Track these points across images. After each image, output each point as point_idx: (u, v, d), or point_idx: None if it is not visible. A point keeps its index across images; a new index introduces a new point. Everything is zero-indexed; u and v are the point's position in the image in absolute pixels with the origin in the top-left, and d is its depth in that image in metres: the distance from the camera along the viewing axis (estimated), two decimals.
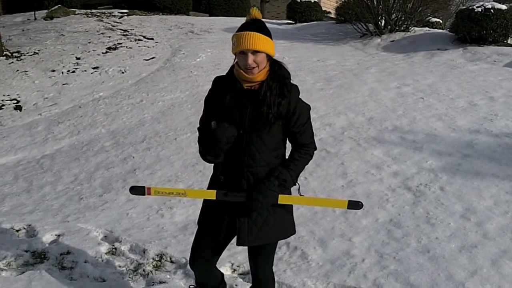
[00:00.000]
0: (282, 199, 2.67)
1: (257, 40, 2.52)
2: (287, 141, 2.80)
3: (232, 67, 2.72)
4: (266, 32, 2.58)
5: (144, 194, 2.79)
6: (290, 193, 2.78)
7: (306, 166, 2.81)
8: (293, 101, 2.64)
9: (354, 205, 2.76)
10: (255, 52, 2.53)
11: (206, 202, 2.87)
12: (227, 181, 2.71)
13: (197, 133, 2.86)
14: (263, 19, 2.68)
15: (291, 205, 2.86)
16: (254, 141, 2.63)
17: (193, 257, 2.87)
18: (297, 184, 2.73)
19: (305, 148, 2.74)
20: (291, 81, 2.70)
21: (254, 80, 2.60)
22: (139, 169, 6.13)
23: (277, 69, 2.66)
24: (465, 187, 4.95)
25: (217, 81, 2.79)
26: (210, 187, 2.85)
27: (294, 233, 2.88)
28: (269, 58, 2.63)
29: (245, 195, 2.63)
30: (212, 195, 2.70)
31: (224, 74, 2.79)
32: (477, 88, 7.88)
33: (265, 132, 2.62)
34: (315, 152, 2.82)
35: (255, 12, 2.62)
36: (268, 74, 2.64)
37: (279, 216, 2.74)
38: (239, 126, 2.63)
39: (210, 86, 2.80)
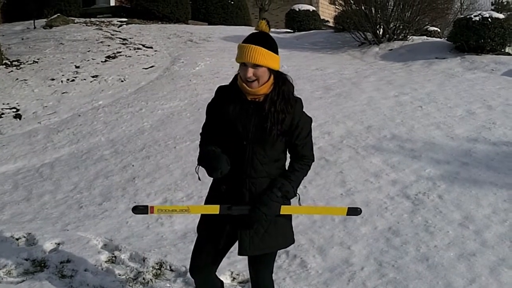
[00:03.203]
0: (284, 209, 2.70)
1: (258, 54, 2.55)
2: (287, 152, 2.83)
3: (235, 76, 2.75)
4: (271, 47, 2.60)
5: (147, 213, 2.78)
6: (290, 203, 2.81)
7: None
8: (297, 116, 2.67)
9: (353, 211, 2.85)
10: (255, 65, 2.56)
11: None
12: (229, 191, 2.72)
13: (198, 140, 2.92)
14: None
15: (291, 215, 2.89)
16: (258, 153, 2.66)
17: (193, 265, 2.88)
18: (297, 194, 2.77)
19: (305, 160, 2.78)
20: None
21: (258, 94, 2.63)
22: (138, 177, 6.14)
23: (281, 84, 2.68)
24: (463, 196, 4.97)
25: (221, 90, 2.80)
26: (209, 196, 2.87)
27: (293, 242, 2.91)
28: (273, 71, 2.65)
29: (249, 207, 2.64)
30: (215, 210, 2.69)
31: (224, 83, 2.82)
32: (475, 96, 7.91)
33: (269, 145, 2.66)
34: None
35: (263, 26, 2.65)
36: (272, 89, 2.66)
37: (280, 226, 2.77)
38: (242, 137, 2.66)
39: (213, 95, 2.82)
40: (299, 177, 2.76)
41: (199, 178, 2.89)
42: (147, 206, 2.77)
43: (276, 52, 2.65)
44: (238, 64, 2.66)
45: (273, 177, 2.70)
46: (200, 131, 2.91)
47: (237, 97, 2.68)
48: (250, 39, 2.61)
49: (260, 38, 2.62)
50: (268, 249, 2.76)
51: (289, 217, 2.86)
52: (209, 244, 2.83)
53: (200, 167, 2.72)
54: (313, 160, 2.83)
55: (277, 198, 2.64)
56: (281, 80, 2.69)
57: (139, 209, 2.76)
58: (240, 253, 2.74)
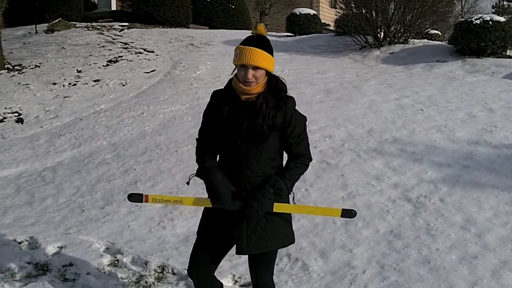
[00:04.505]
0: (277, 207, 2.71)
1: (259, 56, 2.60)
2: (284, 152, 2.85)
3: (230, 80, 2.79)
4: (268, 49, 2.66)
5: (142, 202, 2.86)
6: (287, 202, 2.81)
7: (305, 177, 2.85)
8: (289, 113, 2.70)
9: (348, 213, 2.82)
10: (255, 68, 2.59)
11: (205, 212, 2.92)
12: None
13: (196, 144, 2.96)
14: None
15: (290, 214, 2.90)
16: (252, 152, 2.69)
17: (191, 265, 2.91)
18: (292, 193, 2.77)
19: (301, 159, 2.79)
20: (288, 93, 2.76)
21: (252, 92, 2.67)
22: (140, 181, 6.15)
23: (274, 83, 2.73)
24: (465, 198, 4.98)
25: (216, 94, 2.86)
26: None
27: (293, 242, 2.91)
28: (268, 73, 2.70)
29: (241, 203, 2.67)
30: (208, 203, 2.76)
31: (223, 87, 2.85)
32: (476, 99, 7.93)
33: (261, 143, 2.68)
34: (313, 163, 2.88)
35: (261, 29, 2.71)
36: (265, 87, 2.70)
37: (278, 225, 2.78)
38: (236, 136, 2.69)
39: (209, 100, 2.86)
40: (293, 175, 2.75)
41: (188, 183, 3.04)
42: (142, 194, 2.86)
43: (272, 55, 2.71)
44: None
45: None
46: (197, 137, 2.95)
47: (231, 98, 2.72)
48: (249, 42, 2.65)
49: (259, 41, 2.67)
50: (265, 248, 2.77)
51: (288, 217, 2.87)
52: (207, 244, 2.86)
53: (195, 177, 2.79)
54: (310, 159, 2.84)
55: (269, 194, 2.65)
56: (274, 79, 2.74)
57: (134, 197, 2.86)
58: (237, 252, 2.76)
